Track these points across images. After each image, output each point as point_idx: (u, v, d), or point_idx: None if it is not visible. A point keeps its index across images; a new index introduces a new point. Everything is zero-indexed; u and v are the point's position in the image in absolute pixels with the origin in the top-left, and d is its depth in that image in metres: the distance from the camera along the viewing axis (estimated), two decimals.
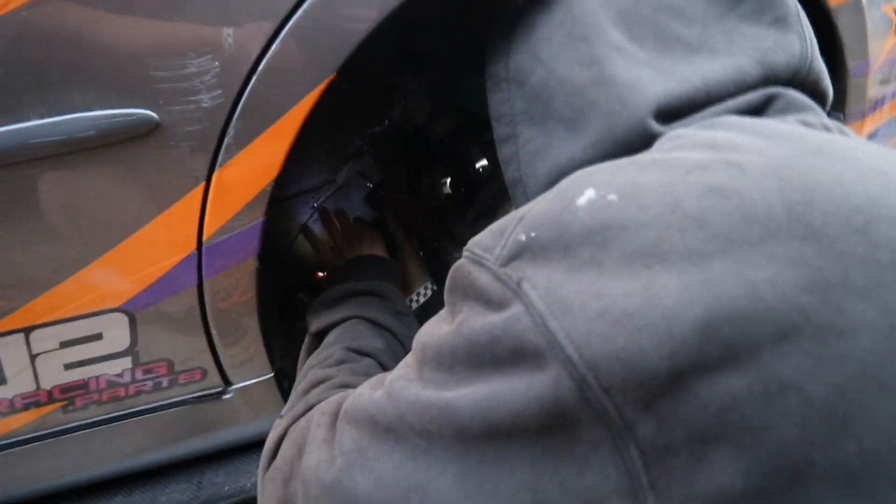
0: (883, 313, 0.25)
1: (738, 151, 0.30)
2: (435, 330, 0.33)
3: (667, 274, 0.26)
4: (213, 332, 0.58)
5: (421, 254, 0.97)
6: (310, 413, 0.42)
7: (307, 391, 0.49)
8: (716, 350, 0.25)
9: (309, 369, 0.54)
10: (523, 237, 0.29)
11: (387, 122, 0.90)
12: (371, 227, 0.78)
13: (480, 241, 0.32)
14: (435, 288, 0.78)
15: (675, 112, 0.37)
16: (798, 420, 0.24)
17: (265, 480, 0.40)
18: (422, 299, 0.77)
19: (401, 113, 0.91)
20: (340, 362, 0.53)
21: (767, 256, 0.25)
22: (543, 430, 0.27)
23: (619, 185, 0.29)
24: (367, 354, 0.56)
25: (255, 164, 0.51)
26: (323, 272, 0.87)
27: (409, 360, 0.35)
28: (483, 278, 0.30)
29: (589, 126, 0.38)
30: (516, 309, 0.28)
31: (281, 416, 0.46)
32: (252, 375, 0.64)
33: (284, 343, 0.75)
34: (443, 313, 0.34)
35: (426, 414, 0.30)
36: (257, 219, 0.54)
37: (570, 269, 0.27)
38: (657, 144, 0.35)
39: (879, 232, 0.26)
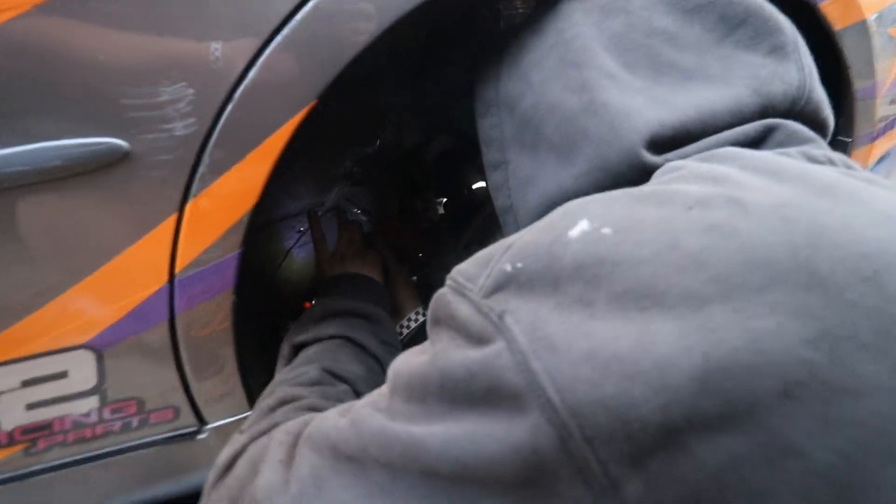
0: (894, 373, 0.23)
1: (740, 187, 0.29)
2: (411, 359, 0.32)
3: (662, 317, 0.25)
4: (186, 368, 0.57)
5: (414, 278, 0.97)
6: (273, 432, 0.41)
7: (273, 408, 0.48)
8: (714, 405, 0.23)
9: (279, 384, 0.53)
10: (509, 267, 0.28)
11: (378, 143, 0.89)
12: (376, 254, 0.77)
13: (464, 270, 0.31)
14: (424, 315, 0.77)
15: (668, 142, 0.36)
16: (800, 488, 0.23)
17: (211, 498, 0.39)
18: (412, 325, 0.76)
19: (393, 133, 0.91)
20: (314, 383, 0.52)
21: (770, 305, 0.24)
22: (518, 482, 0.26)
23: (615, 217, 0.28)
24: (344, 380, 0.54)
25: (232, 194, 0.51)
26: (311, 301, 0.86)
27: (382, 387, 0.34)
28: (463, 309, 0.29)
29: (580, 155, 0.38)
30: (497, 345, 0.27)
31: (241, 431, 0.45)
32: (229, 414, 0.62)
33: (266, 379, 0.73)
34: (424, 344, 0.34)
35: (391, 448, 0.29)
36: (233, 250, 0.53)
37: (557, 305, 0.27)
38: (655, 176, 0.34)
39: (890, 282, 0.25)
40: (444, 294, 0.32)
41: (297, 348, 0.60)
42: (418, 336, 0.76)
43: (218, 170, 0.49)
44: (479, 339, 0.28)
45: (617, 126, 0.36)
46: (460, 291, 0.30)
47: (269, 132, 0.49)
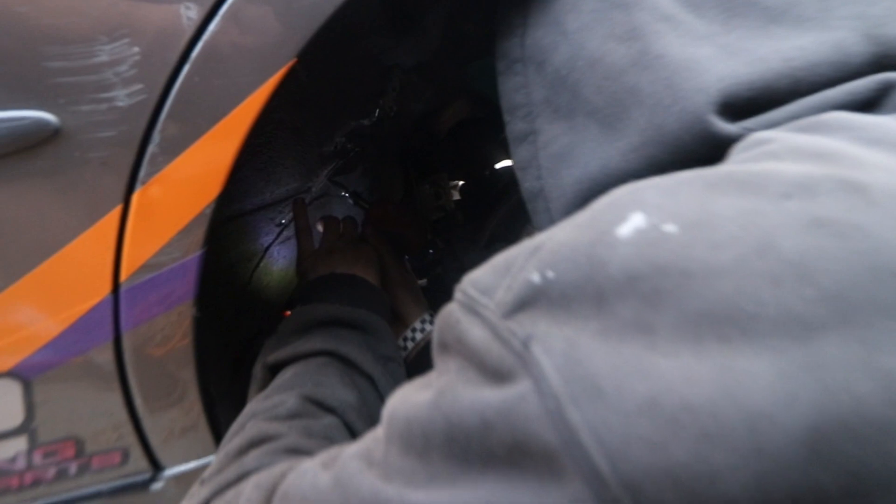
0: None
1: (856, 166, 0.26)
2: (411, 395, 0.31)
3: (753, 351, 0.22)
4: (136, 399, 0.56)
5: (423, 281, 0.97)
6: (241, 485, 0.40)
7: (243, 451, 0.47)
8: (833, 479, 0.21)
9: (250, 418, 0.52)
10: (537, 277, 0.27)
11: (377, 113, 0.88)
12: (370, 248, 0.76)
13: (478, 280, 0.30)
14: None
15: (747, 105, 0.34)
16: None
17: None
18: (418, 337, 0.75)
19: (395, 101, 0.89)
20: (293, 416, 0.52)
21: None
22: None
23: (682, 209, 0.26)
24: (330, 410, 0.54)
25: (190, 179, 0.50)
26: (292, 309, 0.85)
27: (377, 431, 0.33)
28: (476, 333, 0.28)
29: (629, 123, 0.36)
30: (521, 385, 0.25)
31: (202, 482, 0.44)
32: (190, 456, 0.61)
33: (239, 409, 0.72)
34: (429, 375, 0.32)
35: None
36: (194, 250, 0.52)
37: (603, 331, 0.25)
38: (735, 152, 0.31)
39: None
40: (452, 311, 0.30)
41: (273, 369, 0.59)
42: (426, 353, 0.75)
43: (172, 149, 0.48)
44: (496, 375, 0.27)
45: (677, 84, 0.34)
46: (472, 308, 0.29)
47: (237, 101, 0.48)
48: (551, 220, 0.41)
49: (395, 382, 0.61)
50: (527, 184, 0.43)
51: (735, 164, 0.29)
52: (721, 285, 0.23)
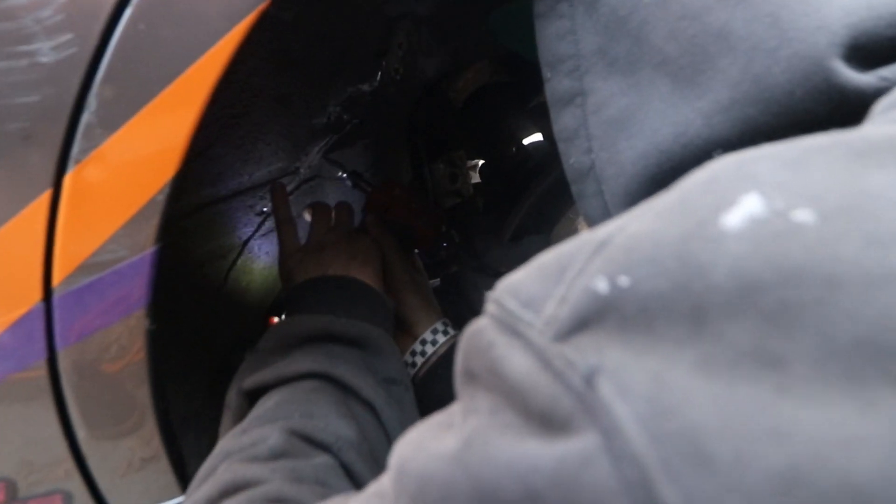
0: None
1: None
2: (428, 441, 0.29)
3: None
4: (79, 431, 0.54)
5: (437, 281, 0.94)
6: None
7: (214, 502, 0.47)
8: None
9: (223, 458, 0.52)
10: (604, 285, 0.24)
11: (379, 77, 0.85)
12: (371, 242, 0.74)
13: (519, 287, 0.27)
14: (451, 332, 0.74)
15: (886, 47, 0.31)
16: None
17: None
18: (428, 351, 0.73)
19: (401, 61, 0.87)
20: (277, 455, 0.51)
21: None
22: None
23: (818, 189, 0.23)
24: (323, 447, 0.52)
25: (136, 158, 0.47)
26: (280, 315, 0.82)
27: (382, 484, 0.32)
28: (517, 362, 0.25)
29: (715, 75, 0.34)
30: (584, 441, 0.22)
31: None
32: (149, 499, 0.59)
33: (212, 440, 0.68)
34: (452, 410, 0.31)
35: None
36: (144, 247, 0.49)
37: (705, 363, 0.21)
38: (879, 109, 0.28)
39: None
40: (482, 330, 0.27)
41: (252, 396, 0.58)
42: (439, 370, 0.73)
43: (112, 120, 0.45)
44: (547, 423, 0.24)
45: (786, 21, 0.32)
46: (512, 327, 0.26)
47: (194, 57, 0.45)
48: (604, 207, 0.38)
49: (403, 410, 0.59)
50: (572, 159, 0.40)
51: (882, 124, 0.26)
52: (887, 299, 0.19)
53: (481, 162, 0.97)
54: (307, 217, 0.77)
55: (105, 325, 0.51)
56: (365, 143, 0.89)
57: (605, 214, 0.39)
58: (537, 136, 0.89)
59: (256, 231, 0.84)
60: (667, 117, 0.35)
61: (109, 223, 0.47)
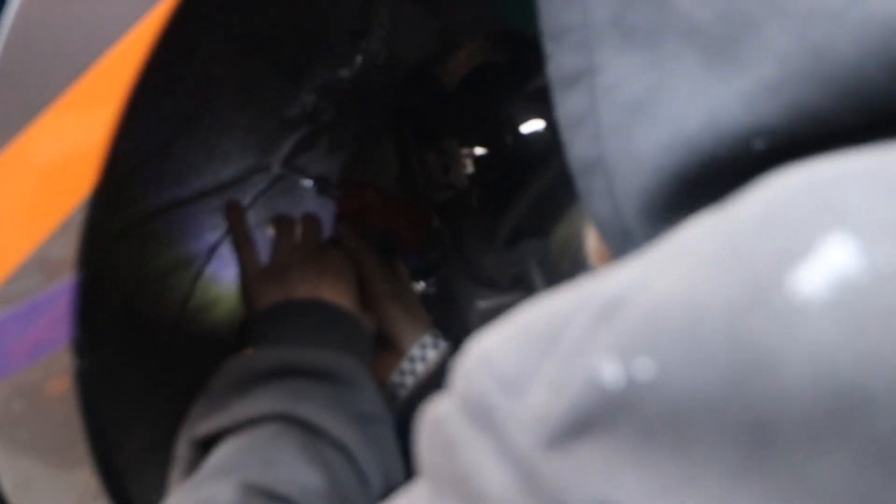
0: None
1: None
2: None
3: None
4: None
5: (421, 285, 0.89)
6: None
7: None
8: None
9: None
10: (615, 372, 0.19)
11: (359, 61, 0.80)
12: (342, 255, 0.71)
13: (494, 355, 0.23)
14: (441, 345, 0.70)
15: None
16: None
17: None
18: (419, 368, 0.69)
19: (385, 42, 0.83)
20: None
21: None
22: None
23: None
24: (285, 501, 0.49)
25: (43, 168, 0.41)
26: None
27: None
28: (493, 474, 0.21)
29: (758, 47, 0.29)
30: None
31: None
32: None
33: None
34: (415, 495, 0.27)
35: None
36: (62, 274, 0.44)
37: None
38: None
39: None
40: (446, 419, 0.24)
41: (205, 445, 0.53)
42: (430, 389, 0.68)
43: (7, 124, 0.40)
44: None
45: None
46: (486, 416, 0.22)
47: (106, 43, 0.39)
48: (614, 208, 0.33)
49: (381, 449, 0.56)
50: (577, 149, 0.35)
51: None
52: None
53: (476, 151, 0.90)
54: (270, 233, 0.73)
55: (19, 367, 0.44)
56: (332, 141, 0.84)
57: (615, 217, 0.34)
58: (538, 125, 0.82)
59: (225, 236, 0.78)
60: (696, 100, 0.30)
61: (13, 251, 0.41)
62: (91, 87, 0.39)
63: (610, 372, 0.19)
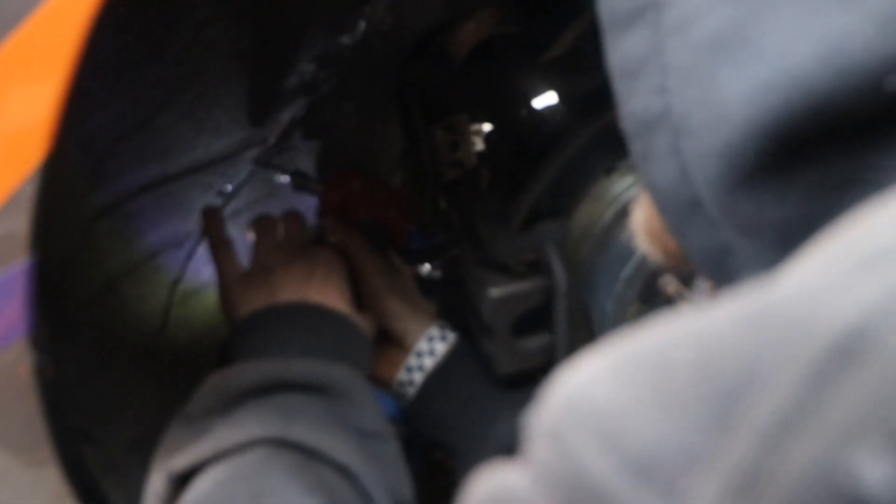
0: None
1: None
2: None
3: None
4: None
5: (426, 268, 0.86)
6: None
7: None
8: None
9: None
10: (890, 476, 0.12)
11: (362, 28, 0.75)
12: (332, 250, 0.67)
13: (625, 432, 0.16)
14: (450, 337, 0.66)
15: None
16: None
17: None
18: (427, 364, 0.65)
19: (389, 9, 0.78)
20: None
21: None
22: None
23: None
24: None
25: None
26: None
27: None
28: None
29: None
30: None
31: None
32: None
33: None
34: None
35: None
36: (11, 260, 0.38)
37: None
38: None
39: None
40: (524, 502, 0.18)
41: (183, 478, 0.48)
42: (438, 382, 0.64)
43: None
44: None
45: None
46: None
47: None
48: (682, 172, 0.28)
49: (385, 467, 0.51)
50: (635, 102, 0.31)
51: None
52: None
53: (487, 127, 0.85)
54: (250, 237, 0.68)
55: None
56: (345, 107, 0.80)
57: (681, 183, 0.29)
58: (551, 99, 0.76)
59: (192, 252, 0.74)
60: (806, 29, 0.24)
61: None
62: (24, 51, 0.34)
63: (876, 469, 0.12)
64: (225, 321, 0.63)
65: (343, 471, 0.48)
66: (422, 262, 0.88)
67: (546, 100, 0.77)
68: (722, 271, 0.29)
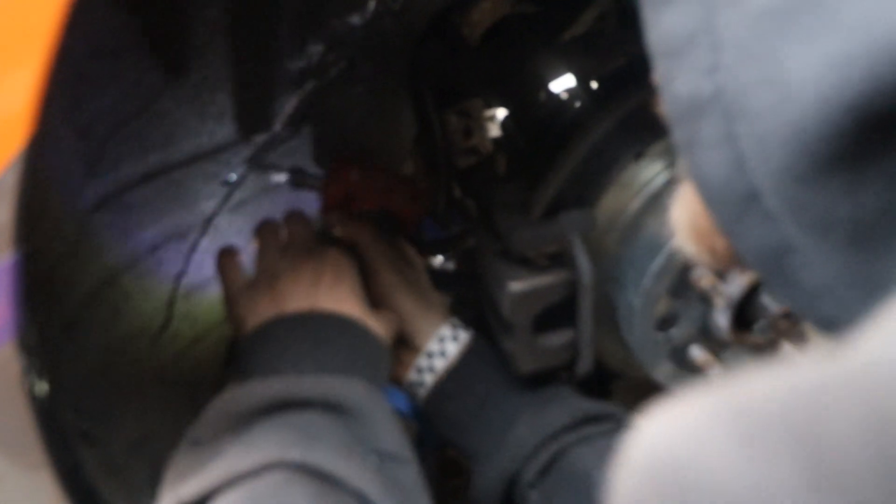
0: None
1: None
2: None
3: None
4: None
5: (438, 259, 0.84)
6: None
7: None
8: None
9: None
10: None
11: (372, 7, 0.72)
12: (340, 248, 0.64)
13: None
14: (462, 336, 0.62)
15: None
16: None
17: None
18: (438, 365, 0.62)
19: None
20: None
21: None
22: None
23: None
24: None
25: None
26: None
27: None
28: None
29: None
30: None
31: None
32: None
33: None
34: None
35: None
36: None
37: None
38: None
39: None
40: None
41: None
42: (451, 384, 0.61)
43: None
44: None
45: None
46: None
47: None
48: (738, 162, 0.26)
49: (404, 493, 0.48)
50: (680, 84, 0.28)
51: None
52: None
53: (503, 112, 0.82)
54: (253, 247, 0.65)
55: None
56: (354, 93, 0.76)
57: (736, 174, 0.26)
58: (569, 81, 0.73)
59: (222, 206, 0.72)
60: None
61: None
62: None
63: None
64: (247, 318, 0.60)
65: (361, 499, 0.46)
66: (435, 253, 0.86)
67: (566, 82, 0.74)
68: (780, 273, 0.26)
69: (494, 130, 0.87)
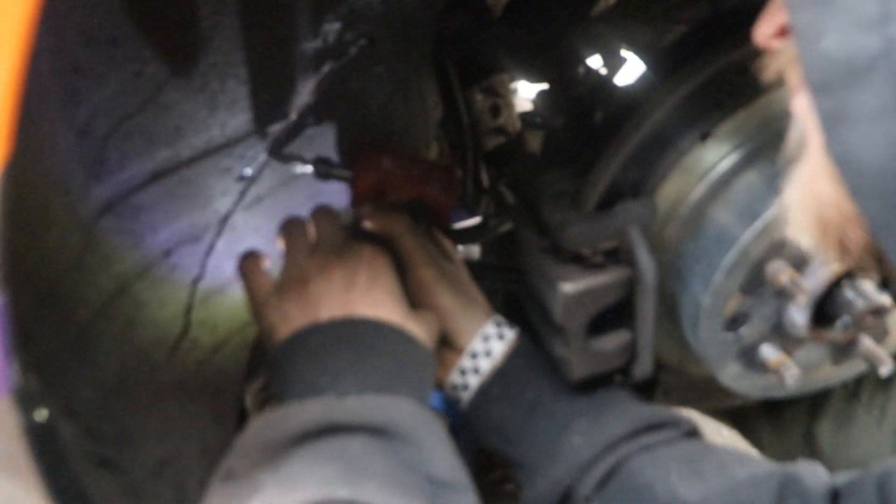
0: None
1: None
2: None
3: None
4: None
5: (474, 248, 0.84)
6: None
7: None
8: None
9: None
10: None
11: None
12: (373, 243, 0.59)
13: None
14: (508, 335, 0.58)
15: None
16: None
17: None
18: (483, 366, 0.58)
19: None
20: None
21: None
22: None
23: None
24: None
25: None
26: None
27: None
28: None
29: None
30: None
31: None
32: None
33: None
34: None
35: None
36: None
37: None
38: None
39: None
40: None
41: None
42: (496, 386, 0.57)
43: None
44: None
45: None
46: None
47: None
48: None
49: None
50: (830, 41, 0.25)
51: None
52: None
53: (537, 88, 0.78)
54: (280, 246, 0.60)
55: None
56: (377, 75, 0.71)
57: None
58: (617, 53, 0.68)
59: (238, 203, 0.67)
60: None
61: None
62: None
63: None
64: (277, 327, 0.55)
65: None
66: (465, 241, 0.81)
67: (609, 56, 0.68)
68: None
69: (521, 106, 0.84)
